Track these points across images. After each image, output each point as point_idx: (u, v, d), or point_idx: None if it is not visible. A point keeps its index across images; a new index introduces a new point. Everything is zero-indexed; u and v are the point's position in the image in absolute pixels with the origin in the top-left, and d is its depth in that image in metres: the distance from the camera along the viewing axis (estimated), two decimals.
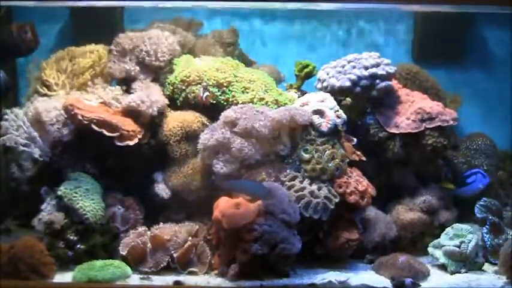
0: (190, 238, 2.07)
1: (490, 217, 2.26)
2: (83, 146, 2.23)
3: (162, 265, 2.00)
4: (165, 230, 2.09)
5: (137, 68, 2.39)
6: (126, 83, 2.40)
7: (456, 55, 2.94)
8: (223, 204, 2.00)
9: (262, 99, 2.29)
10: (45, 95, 2.34)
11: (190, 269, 2.01)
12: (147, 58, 2.39)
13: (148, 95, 2.27)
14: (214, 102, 2.27)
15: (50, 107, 2.23)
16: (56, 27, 2.88)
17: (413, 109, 2.39)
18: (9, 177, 2.25)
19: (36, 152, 2.20)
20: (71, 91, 2.36)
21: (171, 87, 2.36)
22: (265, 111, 2.15)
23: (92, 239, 2.06)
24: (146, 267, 2.00)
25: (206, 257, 2.04)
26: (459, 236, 2.14)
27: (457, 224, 2.21)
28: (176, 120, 2.26)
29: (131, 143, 2.18)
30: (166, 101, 2.31)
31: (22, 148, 2.19)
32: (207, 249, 2.06)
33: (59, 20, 2.88)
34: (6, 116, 2.23)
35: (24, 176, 2.23)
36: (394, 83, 2.47)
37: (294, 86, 2.52)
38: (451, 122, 2.37)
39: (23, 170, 2.23)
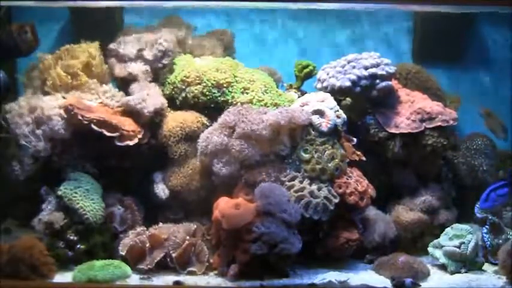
0: (188, 238, 2.07)
1: (490, 217, 2.26)
2: (83, 146, 2.22)
3: (156, 260, 2.00)
4: (163, 230, 2.09)
5: (137, 67, 2.39)
6: (126, 82, 2.40)
7: (456, 55, 2.94)
8: (223, 205, 2.00)
9: (261, 100, 2.29)
10: (47, 93, 2.33)
11: (190, 269, 2.01)
12: (146, 58, 2.39)
13: (148, 96, 2.27)
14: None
15: (51, 105, 2.23)
16: (56, 27, 2.88)
17: (413, 109, 2.39)
18: (10, 175, 2.24)
19: (40, 145, 2.18)
20: (68, 92, 2.34)
21: (171, 87, 2.36)
22: (264, 112, 2.15)
23: (92, 239, 2.06)
24: (143, 265, 2.00)
25: (204, 256, 2.04)
26: (459, 236, 2.14)
27: (457, 224, 2.21)
28: (176, 121, 2.26)
29: (131, 143, 2.18)
30: (165, 103, 2.31)
31: (24, 143, 2.18)
32: (205, 248, 2.05)
33: (59, 20, 2.88)
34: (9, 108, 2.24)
35: (24, 172, 2.22)
36: (394, 83, 2.47)
37: (294, 86, 2.52)
38: (451, 122, 2.37)
39: (24, 166, 2.22)
